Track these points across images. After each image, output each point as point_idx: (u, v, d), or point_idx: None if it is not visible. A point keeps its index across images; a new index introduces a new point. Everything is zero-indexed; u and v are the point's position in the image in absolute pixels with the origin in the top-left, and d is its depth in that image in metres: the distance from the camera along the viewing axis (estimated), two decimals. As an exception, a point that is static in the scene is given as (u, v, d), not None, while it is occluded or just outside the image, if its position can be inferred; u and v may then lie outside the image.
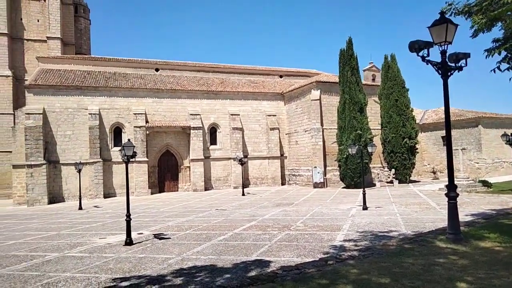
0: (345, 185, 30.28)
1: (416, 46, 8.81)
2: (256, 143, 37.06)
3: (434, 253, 8.29)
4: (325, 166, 32.16)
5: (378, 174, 32.78)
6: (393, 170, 32.21)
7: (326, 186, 31.74)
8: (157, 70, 38.75)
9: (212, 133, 36.12)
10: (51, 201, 29.70)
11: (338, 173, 30.74)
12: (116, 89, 33.03)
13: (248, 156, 35.83)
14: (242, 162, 30.17)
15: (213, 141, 36.06)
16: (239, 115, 36.20)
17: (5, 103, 39.89)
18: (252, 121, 37.11)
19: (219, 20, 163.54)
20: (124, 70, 37.28)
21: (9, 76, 40.22)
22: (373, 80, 42.63)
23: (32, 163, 29.15)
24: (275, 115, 37.62)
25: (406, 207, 18.23)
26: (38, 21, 43.02)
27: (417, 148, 33.51)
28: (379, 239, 11.16)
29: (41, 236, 15.06)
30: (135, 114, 32.74)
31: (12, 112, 37.62)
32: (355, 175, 28.64)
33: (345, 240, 11.33)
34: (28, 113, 29.90)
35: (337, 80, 31.66)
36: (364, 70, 43.34)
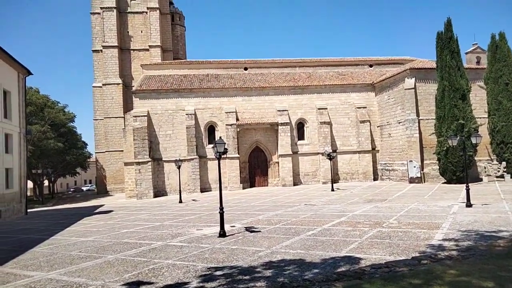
0: (445, 180, 27.89)
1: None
2: (345, 137, 36.09)
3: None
4: (422, 159, 29.99)
5: (485, 167, 29.42)
6: (503, 163, 28.62)
7: (424, 181, 29.56)
8: (245, 69, 40.08)
9: (300, 128, 36.17)
10: (155, 195, 32.89)
11: (437, 167, 28.43)
12: (209, 89, 35.12)
13: (337, 151, 35.10)
14: (330, 157, 29.66)
15: (301, 136, 36.10)
16: (326, 109, 35.62)
17: (117, 108, 45.39)
18: (340, 114, 36.20)
19: (306, 15, 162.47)
20: (215, 71, 39.37)
21: (119, 83, 45.63)
22: (478, 63, 38.13)
23: (140, 160, 32.61)
24: (365, 107, 36.14)
25: (521, 205, 16.11)
26: (141, 32, 47.78)
27: (535, 138, 29.20)
28: (485, 239, 10.11)
29: (147, 226, 16.84)
30: (226, 112, 34.40)
31: (123, 116, 42.50)
32: (457, 169, 26.22)
33: (444, 239, 10.50)
34: (135, 116, 33.52)
35: (434, 66, 29.33)
36: (466, 53, 39.05)
